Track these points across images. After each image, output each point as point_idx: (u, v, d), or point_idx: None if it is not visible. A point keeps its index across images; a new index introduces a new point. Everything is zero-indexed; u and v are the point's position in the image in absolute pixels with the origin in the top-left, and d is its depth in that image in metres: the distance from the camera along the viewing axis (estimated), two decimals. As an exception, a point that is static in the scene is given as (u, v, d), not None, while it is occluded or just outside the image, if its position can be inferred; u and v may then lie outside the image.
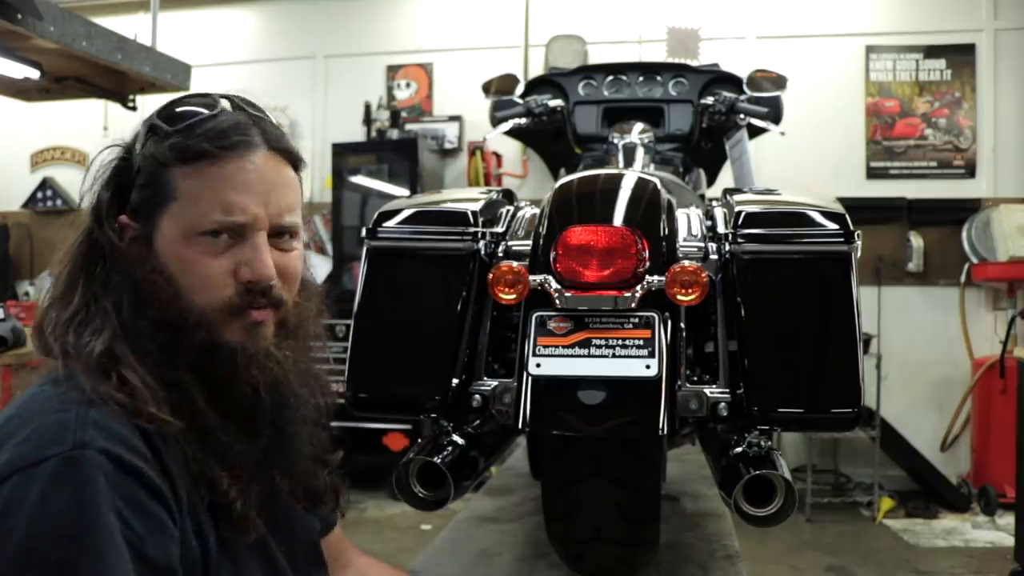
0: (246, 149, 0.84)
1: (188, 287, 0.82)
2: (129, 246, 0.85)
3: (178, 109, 0.86)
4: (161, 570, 0.73)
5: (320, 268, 5.44)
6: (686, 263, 1.22)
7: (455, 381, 1.32)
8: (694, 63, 3.74)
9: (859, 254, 1.26)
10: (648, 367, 1.18)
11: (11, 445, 0.72)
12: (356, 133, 5.49)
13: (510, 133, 2.53)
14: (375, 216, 1.42)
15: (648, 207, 1.33)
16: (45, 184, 5.98)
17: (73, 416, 0.74)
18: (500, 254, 1.39)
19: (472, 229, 1.37)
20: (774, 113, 2.36)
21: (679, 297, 1.21)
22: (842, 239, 1.25)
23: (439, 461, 1.27)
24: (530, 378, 1.20)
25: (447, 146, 5.43)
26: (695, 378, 1.32)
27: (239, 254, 0.83)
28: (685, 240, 1.37)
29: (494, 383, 1.35)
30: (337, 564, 1.11)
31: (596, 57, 4.98)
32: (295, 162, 0.91)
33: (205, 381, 0.82)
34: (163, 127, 0.85)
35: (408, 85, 5.57)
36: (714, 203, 1.48)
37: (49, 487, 0.69)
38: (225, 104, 0.86)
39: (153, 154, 0.84)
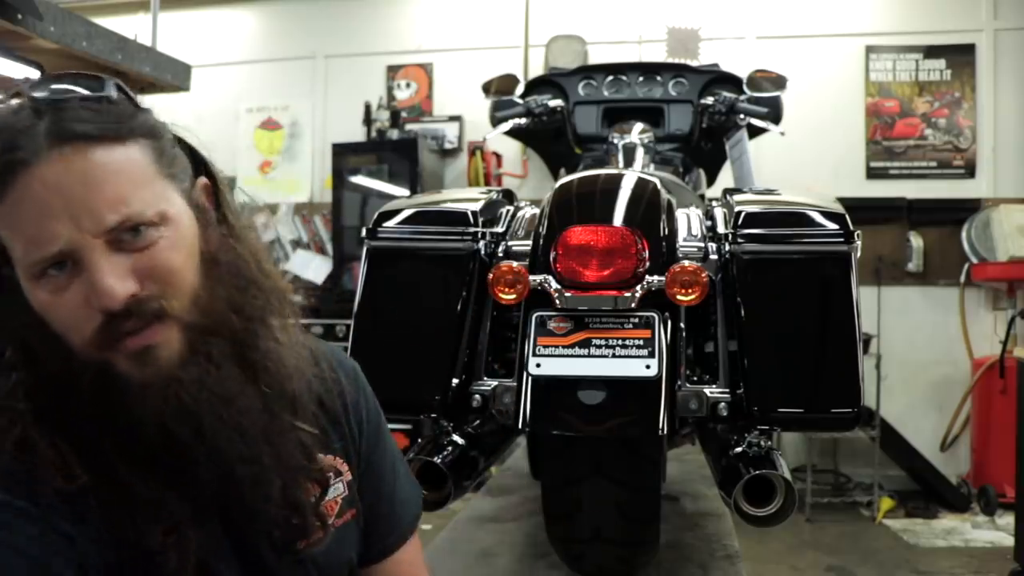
0: (23, 169, 0.67)
1: (61, 329, 0.70)
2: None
3: None
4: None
5: (321, 268, 5.44)
6: (686, 263, 1.22)
7: (455, 381, 1.33)
8: (694, 63, 3.74)
9: (859, 254, 1.27)
10: (648, 367, 1.18)
11: None
12: (356, 133, 5.49)
13: (510, 133, 2.53)
14: (375, 216, 1.43)
15: (648, 207, 1.33)
16: (45, 184, 5.98)
17: None
18: (500, 254, 1.39)
19: (472, 229, 1.38)
20: (774, 113, 2.36)
21: (679, 297, 1.21)
22: (842, 239, 1.26)
23: (439, 461, 1.27)
24: (530, 378, 1.20)
25: (447, 146, 5.43)
26: (695, 378, 1.32)
27: (83, 282, 0.69)
28: (685, 240, 1.38)
29: (494, 383, 1.36)
30: None
31: (596, 57, 4.98)
32: (121, 135, 0.71)
33: (109, 427, 0.71)
34: None
35: (408, 85, 5.57)
36: (714, 203, 1.48)
37: None
38: (14, 100, 0.72)
39: None
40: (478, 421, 1.41)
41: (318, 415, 0.85)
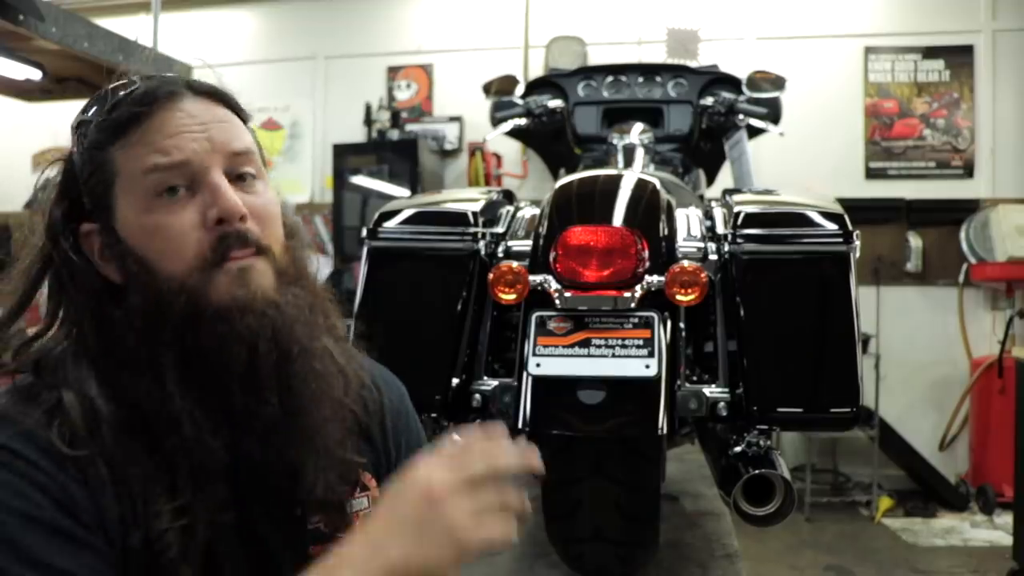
0: (170, 99, 0.78)
1: (158, 257, 0.75)
2: (101, 252, 0.79)
3: (97, 98, 0.81)
4: (78, 540, 0.68)
5: (321, 268, 5.43)
6: (686, 263, 1.23)
7: (455, 381, 1.33)
8: (694, 64, 3.74)
9: (858, 254, 1.27)
10: (648, 367, 1.19)
11: None
12: (356, 134, 5.48)
13: (510, 134, 2.54)
14: (376, 216, 1.43)
15: (648, 207, 1.34)
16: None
17: None
18: (500, 254, 1.40)
19: (472, 229, 1.38)
20: (773, 114, 2.37)
21: (679, 297, 1.21)
22: (841, 239, 1.26)
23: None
24: (530, 378, 1.21)
25: (447, 147, 5.43)
26: (695, 378, 1.32)
27: (201, 201, 0.76)
28: (685, 240, 1.38)
29: (494, 383, 1.36)
30: None
31: (596, 58, 4.98)
32: (232, 104, 0.84)
33: (191, 359, 0.74)
34: (86, 118, 0.80)
35: (408, 86, 5.57)
36: (714, 203, 1.48)
37: None
38: (139, 81, 0.81)
39: (87, 146, 0.79)
40: (478, 421, 1.41)
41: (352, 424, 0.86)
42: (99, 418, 0.72)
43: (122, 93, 0.79)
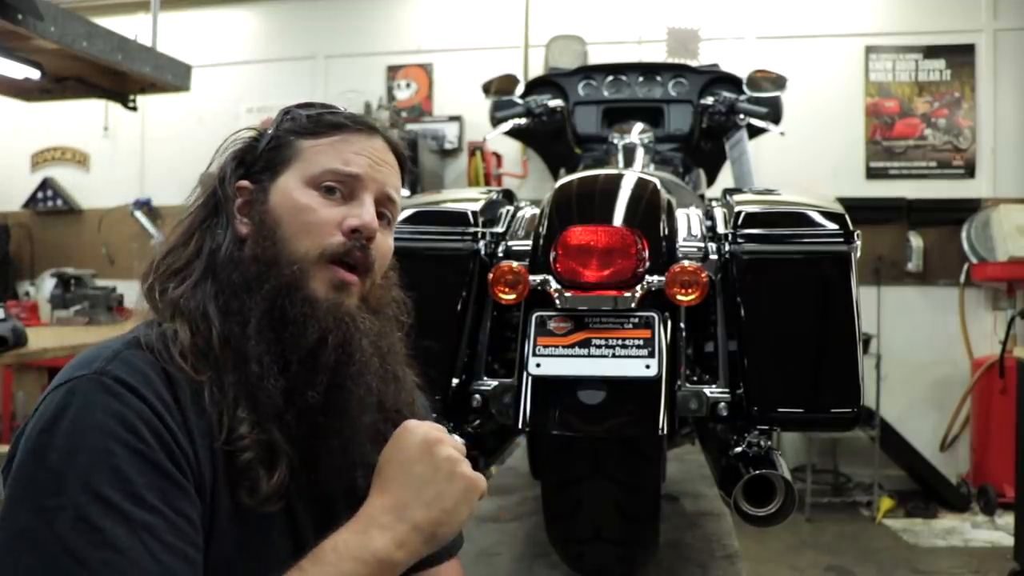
0: (369, 131, 0.95)
1: (293, 230, 0.88)
2: (242, 205, 0.91)
3: (314, 105, 0.97)
4: (176, 482, 0.76)
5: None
6: (686, 263, 1.22)
7: (455, 381, 1.33)
8: (694, 63, 3.74)
9: (858, 254, 1.27)
10: (648, 367, 1.19)
11: (67, 367, 0.81)
12: (356, 133, 5.49)
13: (510, 133, 2.53)
14: (375, 216, 1.43)
15: (648, 207, 1.33)
16: (46, 184, 5.97)
17: (109, 350, 0.80)
18: (500, 254, 1.39)
19: (472, 229, 1.38)
20: (774, 113, 2.36)
21: (679, 297, 1.21)
22: (841, 239, 1.26)
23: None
24: (530, 378, 1.20)
25: (447, 146, 5.43)
26: (695, 378, 1.32)
27: (348, 209, 0.90)
28: (685, 240, 1.38)
29: (494, 383, 1.36)
30: None
31: (596, 57, 4.98)
32: (402, 164, 1.00)
33: (275, 318, 0.84)
34: (298, 111, 0.95)
35: (408, 85, 5.57)
36: (714, 203, 1.48)
37: (63, 405, 0.76)
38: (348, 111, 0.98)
39: (288, 127, 0.94)
40: (478, 421, 1.41)
41: None
42: (210, 338, 0.83)
43: (335, 109, 0.96)
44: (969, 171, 4.99)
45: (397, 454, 0.83)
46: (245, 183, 0.93)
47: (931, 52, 5.02)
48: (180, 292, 0.86)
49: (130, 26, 4.20)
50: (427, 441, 0.83)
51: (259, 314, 0.84)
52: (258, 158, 0.94)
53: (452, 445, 0.85)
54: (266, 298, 0.85)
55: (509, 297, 1.25)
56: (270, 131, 0.96)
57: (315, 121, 0.94)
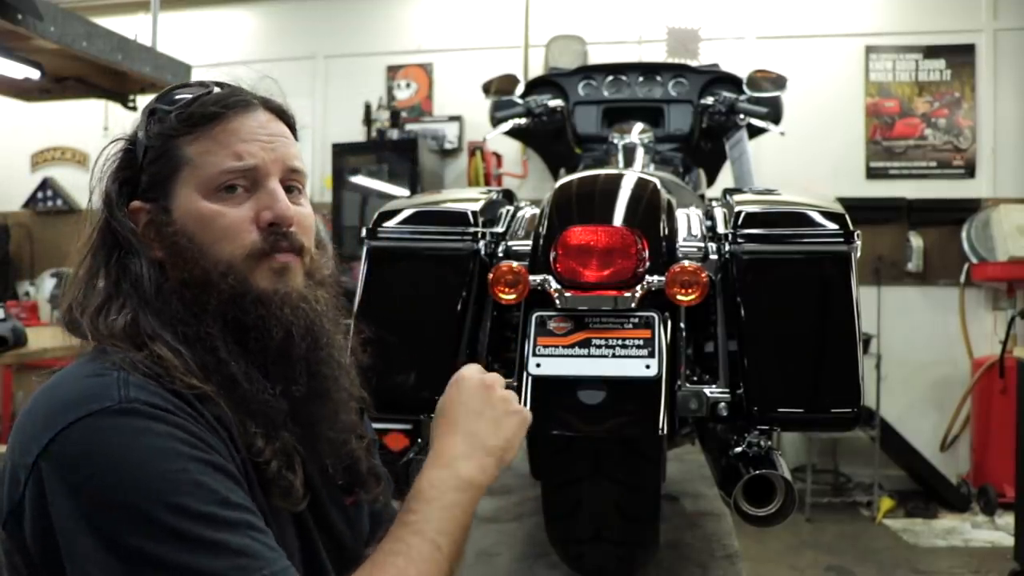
0: (246, 107, 0.89)
1: (210, 241, 0.85)
2: (145, 228, 0.87)
3: (176, 92, 0.91)
4: (236, 478, 0.77)
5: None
6: (686, 263, 1.22)
7: (455, 381, 1.32)
8: (694, 63, 3.74)
9: (859, 254, 1.27)
10: (648, 367, 1.18)
11: (57, 406, 0.76)
12: (356, 133, 5.48)
13: (510, 133, 2.53)
14: (375, 216, 1.43)
15: (648, 207, 1.33)
16: (45, 184, 5.97)
17: (114, 378, 0.77)
18: (500, 254, 1.39)
19: (472, 229, 1.37)
20: (774, 113, 2.36)
21: (679, 297, 1.21)
22: (842, 239, 1.26)
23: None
24: (530, 378, 1.20)
25: (447, 146, 5.43)
26: (695, 378, 1.32)
27: (257, 202, 0.87)
28: (685, 240, 1.37)
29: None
30: None
31: (596, 57, 4.98)
32: (291, 124, 0.96)
33: (234, 332, 0.84)
34: (164, 108, 0.88)
35: (408, 85, 5.57)
36: (714, 203, 1.48)
37: (106, 438, 0.73)
38: (215, 88, 0.92)
39: (159, 131, 0.87)
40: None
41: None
42: (188, 361, 0.81)
43: (201, 92, 0.89)
44: (969, 171, 4.99)
45: (460, 396, 0.92)
46: (138, 204, 0.87)
47: (931, 52, 5.02)
48: (124, 323, 0.83)
49: (130, 26, 4.20)
50: (484, 384, 0.93)
51: (220, 334, 0.83)
52: (140, 171, 0.88)
53: (502, 384, 0.95)
54: (217, 317, 0.83)
55: (509, 297, 1.25)
56: (140, 135, 0.89)
57: (186, 118, 0.86)
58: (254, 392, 0.83)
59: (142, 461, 0.72)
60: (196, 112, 0.87)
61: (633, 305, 1.22)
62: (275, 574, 0.73)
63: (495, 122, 2.48)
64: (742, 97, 2.33)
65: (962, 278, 4.85)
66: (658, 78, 2.50)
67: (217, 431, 0.79)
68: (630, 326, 1.21)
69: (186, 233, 0.85)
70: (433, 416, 0.94)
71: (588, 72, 2.57)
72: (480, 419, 0.91)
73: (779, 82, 2.35)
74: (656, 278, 1.21)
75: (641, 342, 1.20)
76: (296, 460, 0.84)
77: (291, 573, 0.75)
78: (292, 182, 0.91)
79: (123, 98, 3.75)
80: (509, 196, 1.61)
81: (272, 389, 0.84)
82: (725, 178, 2.53)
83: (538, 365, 1.20)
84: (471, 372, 0.95)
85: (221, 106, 0.87)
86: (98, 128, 5.76)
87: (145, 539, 0.70)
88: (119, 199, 0.88)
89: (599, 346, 1.21)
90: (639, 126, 2.28)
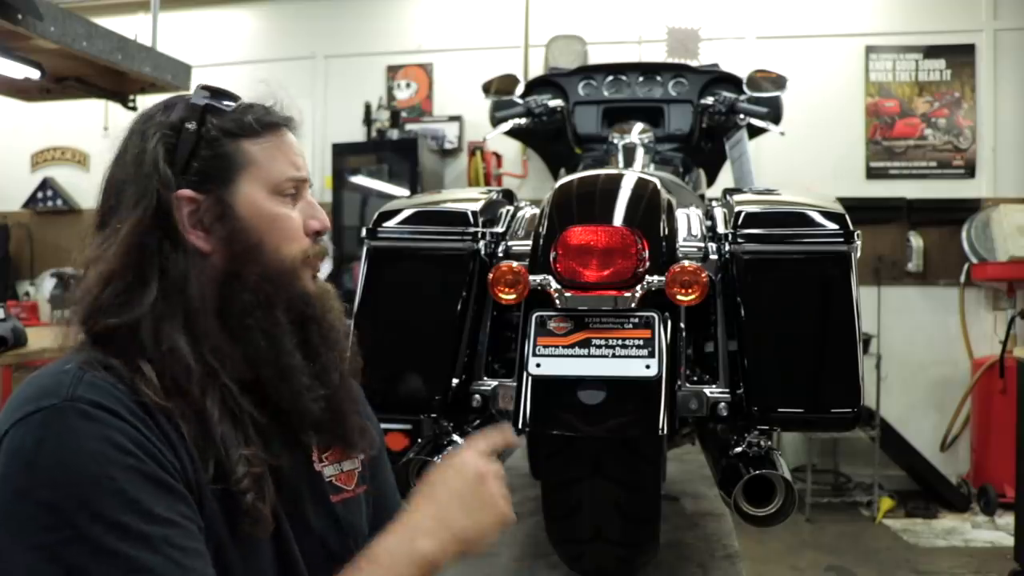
0: (290, 125, 0.97)
1: (277, 240, 0.90)
2: (189, 216, 0.87)
3: (224, 94, 0.94)
4: (174, 491, 0.77)
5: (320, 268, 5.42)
6: (686, 263, 1.22)
7: (455, 381, 1.32)
8: (694, 63, 3.74)
9: (859, 254, 1.27)
10: (648, 367, 1.18)
11: (15, 403, 0.79)
12: (356, 133, 5.48)
13: (510, 133, 2.53)
14: (375, 216, 1.43)
15: (648, 207, 1.33)
16: (45, 184, 5.97)
17: (71, 376, 0.78)
18: (500, 254, 1.39)
19: (472, 229, 1.38)
20: (774, 113, 2.36)
21: (679, 297, 1.21)
22: (842, 239, 1.26)
23: (439, 461, 1.27)
24: (530, 378, 1.20)
25: (447, 146, 5.42)
26: (695, 378, 1.32)
27: (303, 209, 0.94)
28: (685, 240, 1.38)
29: (494, 383, 1.36)
30: None
31: (596, 57, 4.97)
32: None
33: (296, 326, 0.90)
34: (221, 107, 0.92)
35: (408, 85, 5.57)
36: (714, 203, 1.48)
37: (43, 438, 0.74)
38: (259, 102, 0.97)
39: (222, 127, 0.90)
40: (478, 421, 1.41)
41: None
42: (189, 375, 0.82)
43: (246, 103, 0.94)
44: (969, 171, 4.98)
45: (450, 475, 0.92)
46: (189, 193, 0.87)
47: (931, 52, 5.02)
48: (122, 324, 0.82)
49: (130, 26, 4.20)
50: (479, 472, 0.93)
51: (287, 329, 0.88)
52: (189, 160, 0.88)
53: (499, 476, 0.95)
54: (285, 311, 0.89)
55: (509, 297, 1.25)
56: (189, 127, 0.89)
57: (253, 122, 0.92)
58: (306, 383, 0.88)
59: (69, 463, 0.73)
60: (263, 119, 0.93)
61: (633, 305, 1.22)
62: None
63: (495, 122, 2.48)
64: (742, 97, 2.33)
65: (962, 278, 4.85)
66: (658, 78, 2.50)
67: (175, 447, 0.79)
68: (630, 326, 1.21)
69: (251, 228, 0.89)
70: (414, 458, 0.99)
71: (588, 72, 2.57)
72: (460, 505, 0.90)
73: (779, 82, 2.35)
74: (656, 278, 1.21)
75: (641, 342, 1.20)
76: (266, 486, 0.84)
77: None
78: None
79: (123, 98, 3.75)
80: (509, 196, 1.61)
81: (315, 383, 0.90)
82: (725, 178, 2.53)
83: (538, 365, 1.20)
84: (471, 456, 0.94)
85: (282, 119, 0.95)
86: (98, 128, 5.76)
87: (55, 539, 0.71)
88: (172, 182, 0.87)
89: (599, 346, 1.21)
90: (639, 126, 2.28)
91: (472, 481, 0.92)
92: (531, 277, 1.24)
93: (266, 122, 0.93)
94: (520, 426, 1.21)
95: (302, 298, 0.91)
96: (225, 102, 0.93)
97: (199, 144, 0.89)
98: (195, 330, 0.84)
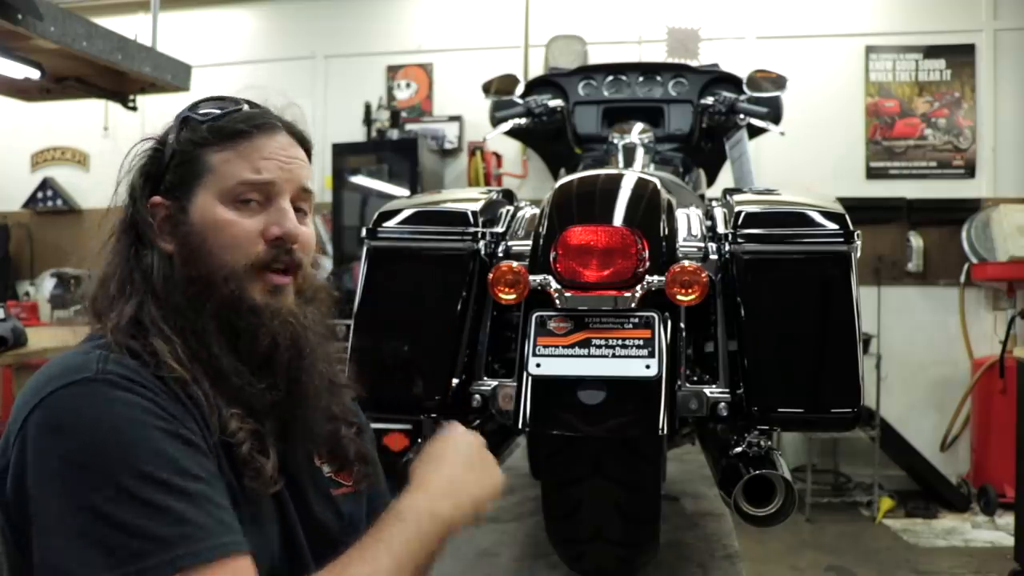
0: (271, 129, 0.96)
1: (220, 246, 0.91)
2: (162, 222, 0.93)
3: (208, 104, 0.98)
4: (203, 452, 0.82)
5: (320, 268, 5.43)
6: (686, 263, 1.22)
7: (455, 381, 1.32)
8: (694, 63, 3.74)
9: (859, 254, 1.27)
10: (648, 367, 1.18)
11: (43, 380, 0.83)
12: (356, 133, 5.48)
13: (510, 133, 2.53)
14: (375, 216, 1.43)
15: (648, 207, 1.33)
16: (45, 184, 5.97)
17: (95, 355, 0.84)
18: (500, 254, 1.39)
19: (472, 229, 1.38)
20: (774, 113, 2.36)
21: (679, 297, 1.21)
22: (842, 239, 1.26)
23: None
24: (530, 378, 1.20)
25: (447, 146, 5.43)
26: (695, 378, 1.32)
27: (267, 216, 0.93)
28: (685, 240, 1.37)
29: (494, 383, 1.36)
30: None
31: (596, 57, 4.98)
32: (308, 149, 1.02)
33: (226, 331, 0.90)
34: (196, 118, 0.96)
35: (408, 85, 5.57)
36: (714, 203, 1.48)
37: (80, 406, 0.79)
38: (245, 105, 0.99)
39: (190, 138, 0.95)
40: (478, 421, 1.41)
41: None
42: (178, 352, 0.86)
43: (231, 108, 0.97)
44: (969, 171, 4.99)
45: (453, 446, 1.00)
46: (159, 199, 0.94)
47: (931, 52, 5.02)
48: (130, 312, 0.89)
49: (130, 26, 4.20)
50: (479, 442, 1.03)
51: (214, 332, 0.90)
52: (165, 171, 0.95)
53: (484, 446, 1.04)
54: (213, 315, 0.90)
55: (509, 297, 1.25)
56: (171, 139, 0.96)
57: (217, 131, 0.94)
58: (239, 384, 0.89)
59: (110, 427, 0.78)
60: (226, 126, 0.94)
61: (633, 305, 1.22)
62: (217, 547, 0.77)
63: (495, 122, 2.48)
64: (742, 97, 2.33)
65: (962, 278, 4.86)
66: (658, 78, 2.50)
67: (191, 411, 0.84)
68: (630, 326, 1.21)
69: (199, 233, 0.92)
70: (414, 458, 1.00)
71: (588, 72, 2.56)
72: (469, 470, 0.98)
73: (779, 82, 2.35)
74: (656, 278, 1.21)
75: (641, 342, 1.20)
76: (269, 445, 0.89)
77: (236, 548, 0.78)
78: (301, 203, 0.98)
79: (123, 98, 3.75)
80: (509, 196, 1.61)
81: (256, 385, 0.91)
82: (725, 178, 2.53)
83: (538, 365, 1.20)
84: (462, 430, 1.03)
85: (250, 124, 0.95)
86: (98, 128, 5.76)
87: (102, 498, 0.75)
88: (142, 192, 0.95)
89: (599, 346, 1.21)
90: (639, 126, 2.28)
91: (476, 449, 1.01)
92: (531, 277, 1.24)
93: (229, 130, 0.94)
94: (520, 426, 1.21)
95: (234, 304, 0.91)
96: (202, 112, 0.96)
97: (174, 155, 0.95)
98: (178, 327, 0.89)
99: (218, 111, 0.96)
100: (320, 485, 1.00)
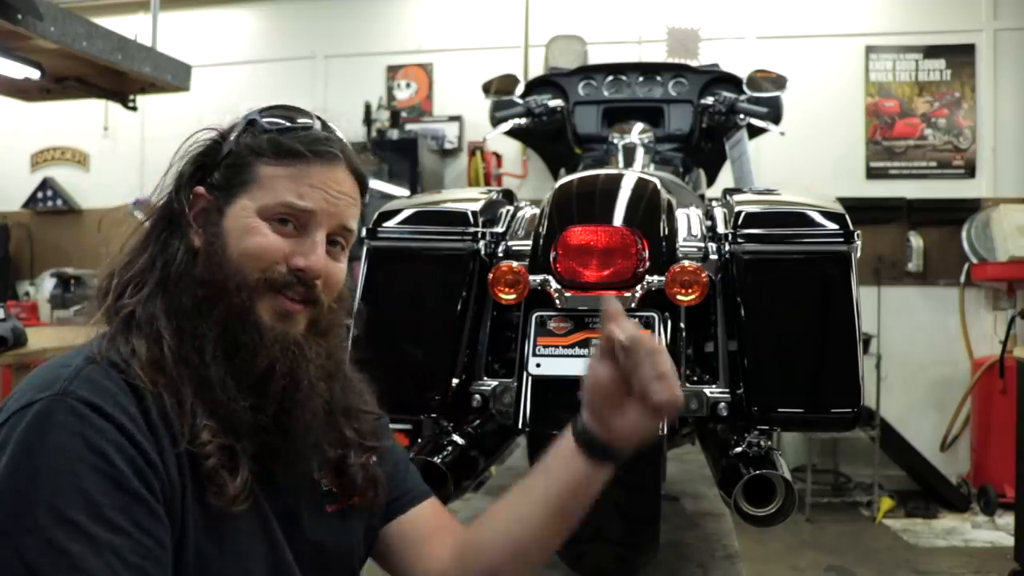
0: (331, 160, 0.94)
1: (241, 252, 0.89)
2: (197, 214, 0.92)
3: (279, 113, 0.96)
4: (136, 495, 0.78)
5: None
6: (686, 263, 1.22)
7: (455, 381, 1.32)
8: (694, 63, 3.74)
9: (859, 254, 1.27)
10: (648, 367, 1.18)
11: (22, 389, 0.82)
12: (356, 133, 5.48)
13: (510, 133, 2.53)
14: (375, 216, 1.43)
15: (648, 207, 1.33)
16: (45, 184, 5.97)
17: (70, 369, 0.82)
18: (500, 254, 1.39)
19: (472, 229, 1.37)
20: (774, 113, 2.36)
21: (679, 297, 1.21)
22: (842, 239, 1.26)
23: (439, 461, 1.27)
24: (530, 378, 1.20)
25: (447, 146, 5.43)
26: (695, 378, 1.32)
27: (298, 244, 0.91)
28: (685, 240, 1.37)
29: (494, 383, 1.36)
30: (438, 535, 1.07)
31: (596, 57, 4.98)
32: (363, 188, 1.00)
33: (226, 342, 0.88)
34: (263, 123, 0.94)
35: (408, 85, 5.57)
36: (714, 203, 1.48)
37: (29, 428, 0.77)
38: (317, 122, 0.97)
39: (249, 144, 0.93)
40: (478, 421, 1.41)
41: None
42: (163, 353, 0.85)
43: (300, 123, 0.95)
44: (969, 171, 4.99)
45: None
46: (202, 191, 0.93)
47: (931, 52, 5.02)
48: (132, 306, 0.88)
49: (130, 26, 4.20)
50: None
51: (213, 339, 0.87)
52: (216, 166, 0.94)
53: None
54: (217, 323, 0.87)
55: (509, 297, 1.25)
56: (232, 137, 0.95)
57: (276, 145, 0.92)
58: (222, 397, 0.86)
59: (42, 454, 0.76)
60: (286, 143, 0.92)
61: (633, 305, 1.22)
62: None
63: (495, 122, 2.48)
64: (742, 97, 2.33)
65: (962, 278, 4.86)
66: (658, 78, 2.50)
67: (156, 428, 0.82)
68: (630, 326, 1.21)
69: (226, 235, 0.90)
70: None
71: (588, 72, 2.56)
72: None
73: (779, 82, 2.34)
74: (656, 278, 1.21)
75: (641, 342, 1.20)
76: (241, 464, 0.85)
77: None
78: (339, 238, 0.95)
79: (123, 98, 3.75)
80: (509, 196, 1.61)
81: (240, 402, 0.87)
82: (725, 178, 2.53)
83: (538, 365, 1.20)
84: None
85: (310, 148, 0.93)
86: (98, 128, 5.77)
87: (18, 526, 0.74)
88: (189, 180, 0.94)
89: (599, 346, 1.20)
90: (639, 126, 2.28)
91: None
92: (531, 277, 1.24)
93: (288, 147, 0.92)
94: (520, 426, 1.21)
95: (241, 315, 0.88)
96: (269, 120, 0.95)
97: (229, 154, 0.94)
98: (176, 327, 0.87)
99: (285, 123, 0.94)
100: (316, 502, 0.96)
